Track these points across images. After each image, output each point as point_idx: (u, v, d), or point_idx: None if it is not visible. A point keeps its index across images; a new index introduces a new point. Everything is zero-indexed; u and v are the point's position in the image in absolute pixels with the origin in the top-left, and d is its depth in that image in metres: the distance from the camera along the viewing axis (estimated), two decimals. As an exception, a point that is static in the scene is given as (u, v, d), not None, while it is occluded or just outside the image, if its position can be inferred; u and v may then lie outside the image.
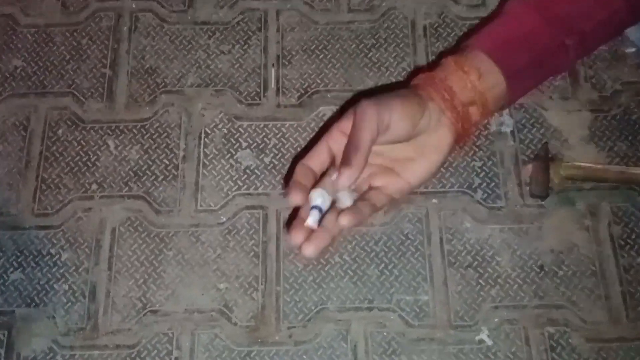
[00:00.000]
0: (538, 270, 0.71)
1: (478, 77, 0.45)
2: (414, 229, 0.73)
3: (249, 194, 0.75)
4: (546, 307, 0.69)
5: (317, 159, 0.46)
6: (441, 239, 0.72)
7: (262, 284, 0.71)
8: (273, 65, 0.80)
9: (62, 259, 0.72)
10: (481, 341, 0.68)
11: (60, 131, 0.78)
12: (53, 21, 0.83)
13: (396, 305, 0.69)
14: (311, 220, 0.45)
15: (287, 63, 0.81)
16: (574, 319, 0.68)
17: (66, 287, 0.71)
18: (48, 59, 0.81)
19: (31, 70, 0.81)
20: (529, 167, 0.73)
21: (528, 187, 0.73)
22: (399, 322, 0.69)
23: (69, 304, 0.70)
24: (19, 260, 0.72)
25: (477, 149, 0.76)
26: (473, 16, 0.82)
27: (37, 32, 0.83)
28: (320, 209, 0.45)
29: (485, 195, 0.74)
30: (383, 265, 0.71)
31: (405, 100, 0.44)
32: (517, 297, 0.69)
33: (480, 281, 0.71)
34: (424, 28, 0.82)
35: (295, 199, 0.45)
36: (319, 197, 0.45)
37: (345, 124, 0.45)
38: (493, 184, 0.75)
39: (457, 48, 0.50)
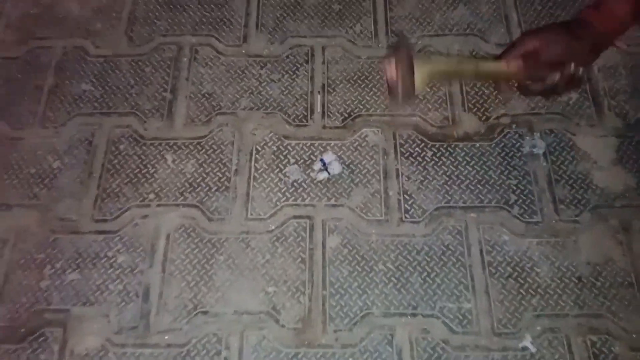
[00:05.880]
0: (576, 281, 0.73)
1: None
2: (454, 241, 0.76)
3: (296, 204, 0.79)
4: (587, 316, 0.71)
5: None
6: (481, 250, 0.76)
7: (308, 289, 0.73)
8: (319, 92, 0.88)
9: (118, 262, 0.75)
10: (525, 348, 0.69)
11: (122, 146, 0.84)
12: (120, 52, 0.92)
13: (440, 312, 0.71)
14: (316, 166, 0.81)
15: (331, 90, 0.88)
16: (615, 328, 0.70)
17: (121, 287, 0.74)
18: (114, 84, 0.89)
19: (98, 93, 0.88)
20: (392, 67, 0.53)
21: (390, 91, 0.53)
22: (443, 328, 0.70)
23: (123, 303, 0.73)
24: (77, 261, 0.75)
25: (511, 169, 0.81)
26: (502, 53, 0.89)
27: (105, 61, 0.91)
28: (324, 163, 0.81)
29: (522, 210, 0.78)
30: (425, 273, 0.74)
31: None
32: (558, 306, 0.71)
33: (521, 291, 0.73)
34: (457, 63, 0.89)
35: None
36: (326, 156, 0.81)
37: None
38: (529, 200, 0.79)
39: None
